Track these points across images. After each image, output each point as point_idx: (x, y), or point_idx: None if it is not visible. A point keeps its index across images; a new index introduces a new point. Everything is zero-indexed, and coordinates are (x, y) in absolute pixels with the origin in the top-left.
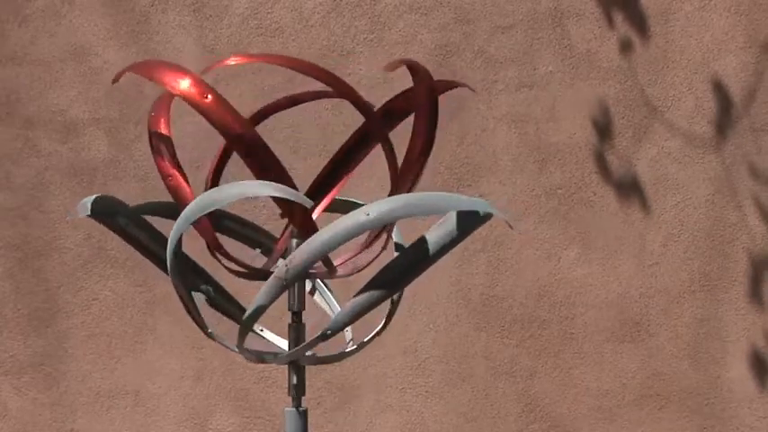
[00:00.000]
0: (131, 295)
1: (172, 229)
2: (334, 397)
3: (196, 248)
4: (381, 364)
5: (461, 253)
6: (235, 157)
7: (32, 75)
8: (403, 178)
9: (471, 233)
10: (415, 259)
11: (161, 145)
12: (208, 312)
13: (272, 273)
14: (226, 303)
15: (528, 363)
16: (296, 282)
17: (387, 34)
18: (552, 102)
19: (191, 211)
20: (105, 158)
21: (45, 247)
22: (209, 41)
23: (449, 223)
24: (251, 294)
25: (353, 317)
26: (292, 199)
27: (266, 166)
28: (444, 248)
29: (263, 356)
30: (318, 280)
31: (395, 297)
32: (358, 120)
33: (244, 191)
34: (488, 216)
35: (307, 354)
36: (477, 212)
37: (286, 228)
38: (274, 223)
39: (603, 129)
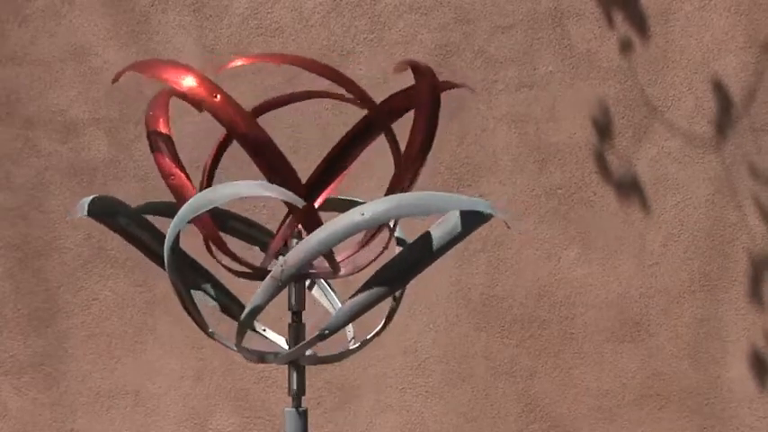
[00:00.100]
0: (131, 295)
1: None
2: (334, 397)
3: (198, 249)
4: (381, 364)
5: (461, 253)
6: (234, 156)
7: (32, 75)
8: (400, 176)
9: (470, 233)
10: (412, 260)
11: (161, 144)
12: (208, 312)
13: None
14: (227, 302)
15: (528, 363)
16: (291, 282)
17: (387, 34)
18: (552, 102)
19: (186, 210)
20: (105, 158)
21: (45, 247)
22: (209, 41)
23: (448, 223)
24: (252, 294)
25: (351, 317)
26: (284, 199)
27: (274, 165)
28: (442, 249)
29: (263, 356)
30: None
31: (396, 294)
32: (358, 119)
33: (237, 191)
34: (488, 216)
35: (307, 353)
36: (476, 212)
37: (280, 226)
38: (276, 223)
39: (603, 129)
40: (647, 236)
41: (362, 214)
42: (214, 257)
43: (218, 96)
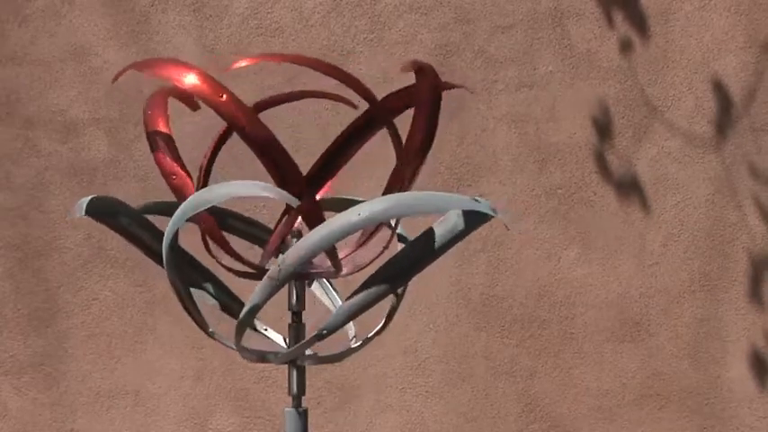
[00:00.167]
0: (131, 295)
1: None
2: (334, 397)
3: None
4: (381, 364)
5: (461, 253)
6: (235, 156)
7: (32, 75)
8: (398, 175)
9: (470, 232)
10: (413, 258)
11: (162, 143)
12: (208, 311)
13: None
14: (228, 301)
15: (528, 363)
16: (288, 281)
17: (387, 34)
18: (552, 102)
19: (183, 210)
20: (105, 158)
21: (45, 247)
22: (209, 41)
23: (448, 222)
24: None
25: (350, 316)
26: (280, 199)
27: (280, 164)
28: (443, 247)
29: (262, 356)
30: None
31: (399, 291)
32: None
33: (233, 191)
34: (488, 216)
35: (307, 353)
36: (475, 212)
37: (276, 225)
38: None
39: (603, 129)
40: (647, 236)
41: (359, 214)
42: (213, 257)
43: (224, 96)
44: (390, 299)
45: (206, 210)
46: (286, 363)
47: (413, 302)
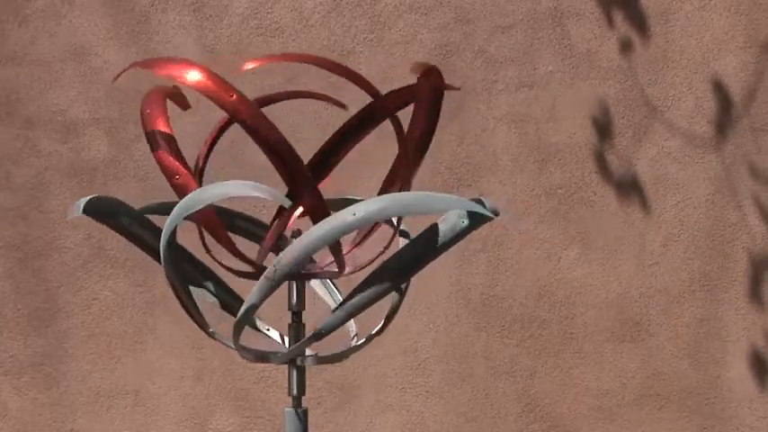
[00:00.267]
0: (131, 295)
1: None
2: (334, 397)
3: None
4: (381, 364)
5: (461, 253)
6: (235, 156)
7: (32, 75)
8: (396, 173)
9: (471, 232)
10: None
11: (163, 142)
12: (207, 310)
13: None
14: (228, 299)
15: (528, 363)
16: (284, 281)
17: (387, 34)
18: (552, 102)
19: (179, 210)
20: (105, 158)
21: (45, 247)
22: (209, 41)
23: (449, 221)
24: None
25: (349, 315)
26: (273, 200)
27: (287, 162)
28: (445, 245)
29: (261, 355)
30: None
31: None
32: None
33: (227, 191)
34: (487, 217)
35: (307, 353)
36: (475, 212)
37: (271, 223)
38: None
39: (603, 129)
40: (647, 236)
41: (354, 214)
42: (213, 257)
43: (234, 96)
44: (390, 299)
45: (214, 211)
46: (285, 363)
47: (413, 302)
